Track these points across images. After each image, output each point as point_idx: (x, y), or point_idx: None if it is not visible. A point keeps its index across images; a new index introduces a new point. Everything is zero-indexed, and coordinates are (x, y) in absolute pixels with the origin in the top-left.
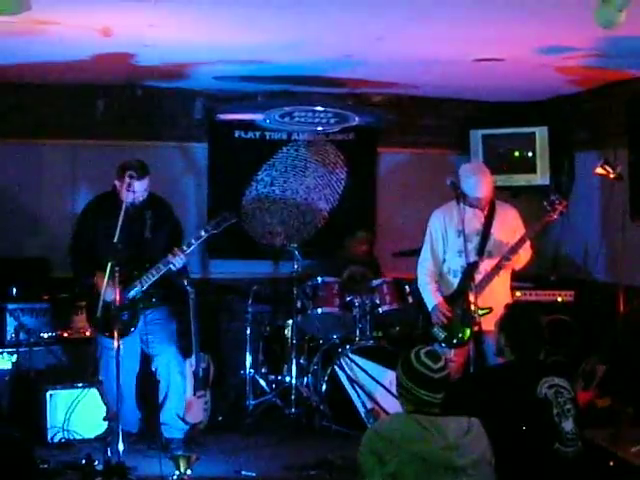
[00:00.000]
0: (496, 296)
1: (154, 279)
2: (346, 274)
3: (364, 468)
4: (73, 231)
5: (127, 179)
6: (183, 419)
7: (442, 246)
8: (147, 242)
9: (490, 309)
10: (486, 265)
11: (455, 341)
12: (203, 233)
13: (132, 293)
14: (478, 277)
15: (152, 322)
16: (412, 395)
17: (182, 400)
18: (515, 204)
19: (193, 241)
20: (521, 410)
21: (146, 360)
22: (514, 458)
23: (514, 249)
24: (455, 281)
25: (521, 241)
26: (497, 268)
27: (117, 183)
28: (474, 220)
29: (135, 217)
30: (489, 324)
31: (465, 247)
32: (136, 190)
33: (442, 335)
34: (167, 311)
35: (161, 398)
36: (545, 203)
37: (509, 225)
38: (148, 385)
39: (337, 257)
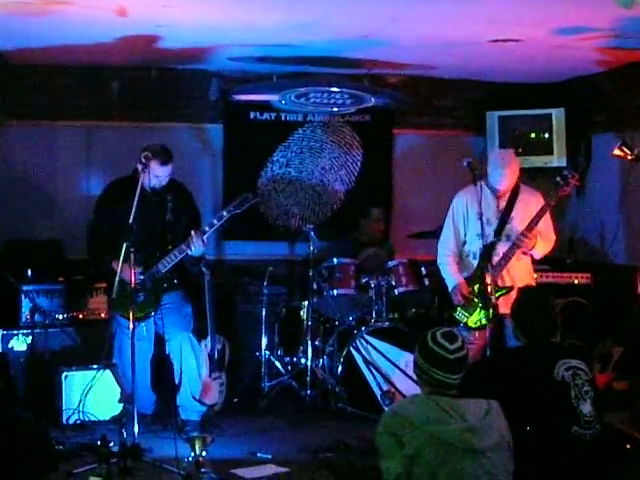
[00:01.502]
0: (518, 277)
1: (177, 260)
2: (361, 258)
3: (382, 449)
4: (93, 215)
5: (152, 164)
6: (199, 400)
7: (463, 228)
8: (169, 224)
9: (511, 288)
10: (504, 247)
11: (476, 323)
12: (225, 213)
13: (154, 273)
14: (495, 259)
15: (165, 305)
16: (429, 376)
17: (197, 382)
18: (532, 186)
19: (215, 221)
20: (539, 392)
21: (162, 342)
22: (532, 440)
23: (531, 226)
24: (475, 263)
25: (537, 217)
26: (514, 246)
27: (139, 167)
28: (495, 202)
29: (156, 200)
30: (508, 307)
31: (482, 229)
32: (159, 175)
33: (465, 317)
34: (181, 295)
35: (176, 381)
36: (558, 178)
37: (531, 210)
38: (163, 367)
39: (353, 239)
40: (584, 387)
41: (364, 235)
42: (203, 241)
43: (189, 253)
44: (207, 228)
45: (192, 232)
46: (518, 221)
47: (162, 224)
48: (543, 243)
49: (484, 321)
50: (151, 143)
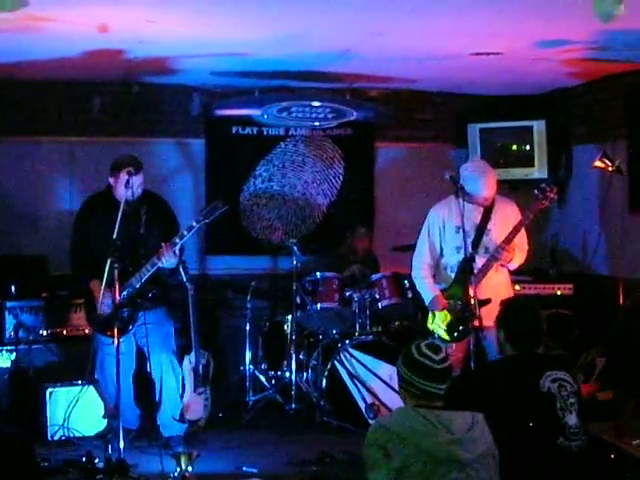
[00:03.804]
0: (496, 289)
1: (149, 274)
2: (347, 273)
3: (370, 462)
4: (71, 234)
5: (125, 175)
6: (180, 420)
7: (439, 242)
8: (142, 238)
9: (489, 300)
10: (482, 260)
11: (455, 334)
12: (194, 224)
13: (128, 290)
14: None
15: (147, 324)
16: (415, 388)
17: (176, 403)
18: (513, 198)
19: (185, 232)
20: (524, 404)
21: (144, 358)
22: (518, 452)
23: (508, 238)
24: (452, 276)
25: (515, 230)
26: (492, 258)
27: (112, 180)
28: (473, 215)
29: (130, 214)
30: (489, 319)
31: (465, 242)
32: (134, 185)
33: (442, 329)
34: (163, 313)
35: (157, 400)
36: (536, 191)
37: (508, 220)
38: (147, 382)
39: (338, 253)
40: (570, 399)
41: (349, 250)
42: (175, 253)
43: (160, 266)
44: (177, 240)
45: (162, 245)
46: (496, 233)
47: (135, 238)
48: (518, 254)
49: (464, 332)
50: (120, 155)
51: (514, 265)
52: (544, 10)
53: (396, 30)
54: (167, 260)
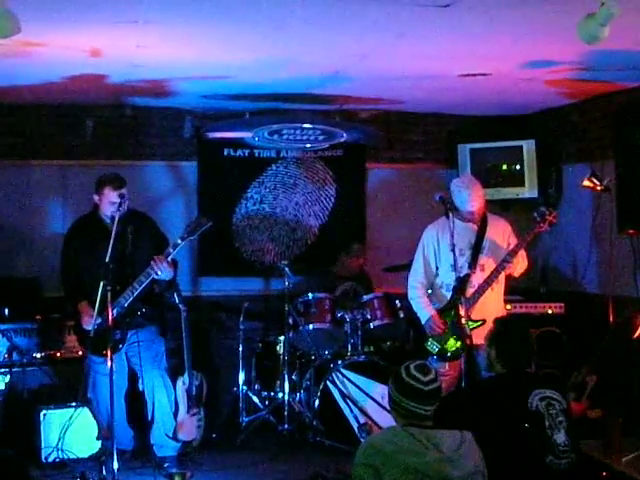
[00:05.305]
0: (489, 309)
1: (137, 292)
2: (339, 291)
3: None
4: (60, 257)
5: (114, 198)
6: (174, 438)
7: (435, 261)
8: (129, 257)
9: (483, 321)
10: (479, 278)
11: (449, 354)
12: (179, 241)
13: (117, 309)
14: (470, 290)
15: (138, 342)
16: (403, 408)
17: (170, 420)
18: (504, 217)
19: (171, 250)
20: (513, 423)
21: (136, 378)
22: (507, 470)
23: (514, 251)
24: (448, 295)
25: (518, 246)
26: (496, 272)
27: (96, 198)
28: (466, 234)
29: (117, 232)
30: (481, 337)
31: (455, 261)
32: (115, 201)
33: (436, 348)
34: (154, 331)
35: (149, 418)
36: (535, 214)
37: (501, 236)
38: (140, 402)
39: (332, 272)
40: (558, 417)
41: (343, 269)
42: (168, 262)
43: (156, 277)
44: (171, 250)
45: (155, 257)
46: (491, 250)
47: (122, 257)
48: (521, 260)
49: (457, 352)
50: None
51: (518, 271)
52: (530, 32)
53: (384, 53)
54: (162, 271)
